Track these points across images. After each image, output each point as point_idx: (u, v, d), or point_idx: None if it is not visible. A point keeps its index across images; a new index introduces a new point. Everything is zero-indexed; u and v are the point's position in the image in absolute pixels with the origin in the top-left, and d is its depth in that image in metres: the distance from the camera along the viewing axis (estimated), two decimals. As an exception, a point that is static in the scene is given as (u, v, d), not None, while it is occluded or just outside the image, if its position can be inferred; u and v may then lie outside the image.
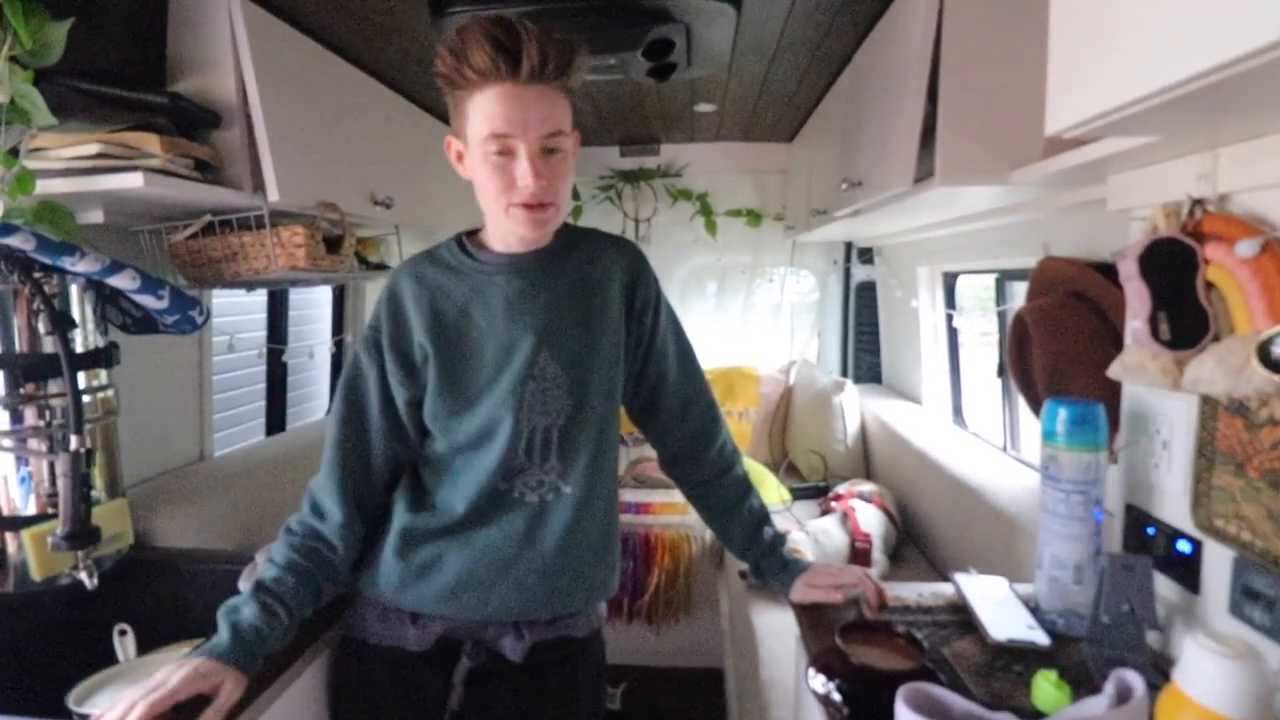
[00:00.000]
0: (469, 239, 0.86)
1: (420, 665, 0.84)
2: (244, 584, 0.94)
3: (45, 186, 0.93)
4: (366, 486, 0.84)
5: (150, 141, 0.97)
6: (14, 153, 0.90)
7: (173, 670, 0.69)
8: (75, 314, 0.93)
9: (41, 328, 0.86)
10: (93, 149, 0.94)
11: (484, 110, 0.72)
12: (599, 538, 0.86)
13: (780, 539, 0.96)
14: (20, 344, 0.88)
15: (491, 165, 0.74)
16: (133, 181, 0.94)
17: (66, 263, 0.86)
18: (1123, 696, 0.55)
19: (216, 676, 0.69)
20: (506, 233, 0.81)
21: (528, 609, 0.83)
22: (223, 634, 0.73)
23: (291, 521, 0.84)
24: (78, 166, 0.95)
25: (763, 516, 0.96)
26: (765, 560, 0.94)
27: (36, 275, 0.86)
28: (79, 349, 0.93)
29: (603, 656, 0.94)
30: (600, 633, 0.93)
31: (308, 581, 0.80)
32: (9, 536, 0.88)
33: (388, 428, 0.83)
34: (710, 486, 0.95)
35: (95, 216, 1.10)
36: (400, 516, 0.85)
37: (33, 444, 0.89)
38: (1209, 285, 0.71)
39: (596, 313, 0.84)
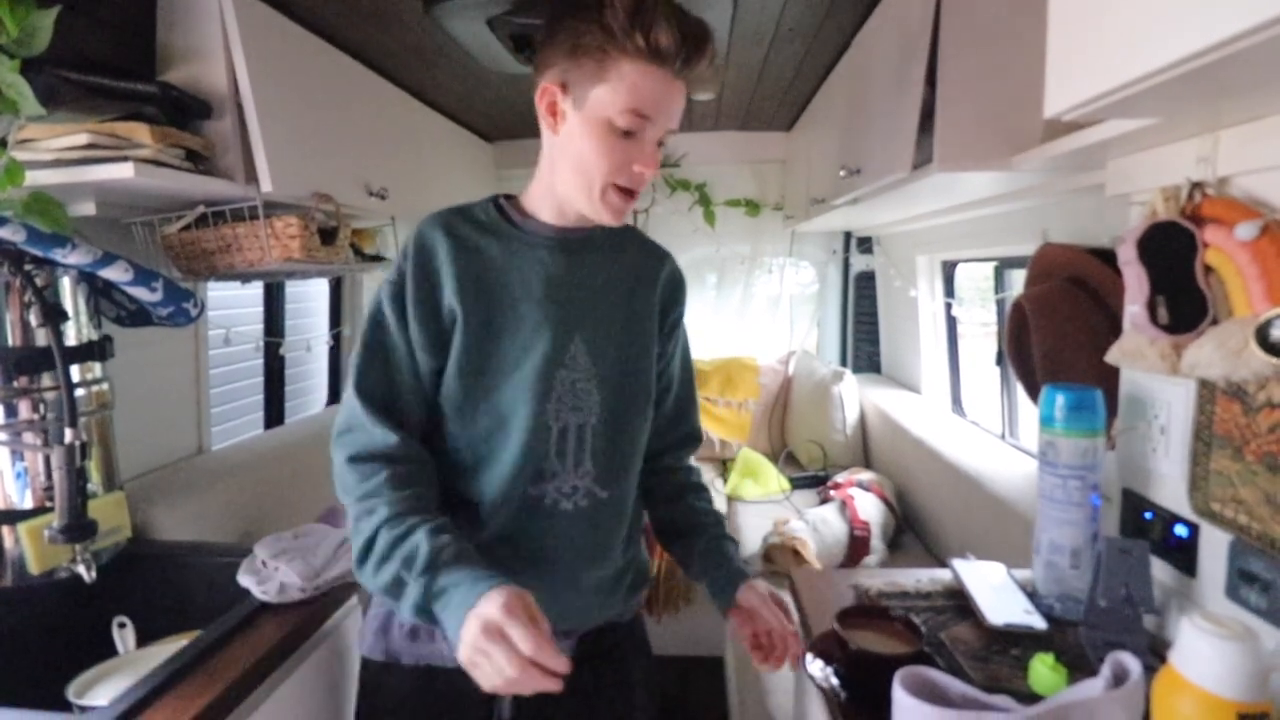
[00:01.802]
0: (509, 203, 0.79)
1: (460, 679, 0.74)
2: (242, 578, 0.94)
3: (35, 178, 0.93)
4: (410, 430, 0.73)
5: (140, 131, 0.96)
6: (2, 143, 0.89)
7: (502, 625, 0.55)
8: (68, 306, 0.92)
9: (33, 320, 0.86)
10: (82, 139, 0.93)
11: (634, 84, 0.67)
12: (636, 537, 0.84)
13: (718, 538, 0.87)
14: (12, 337, 0.88)
15: (611, 138, 0.69)
16: (123, 172, 0.93)
17: (58, 255, 0.85)
18: (1119, 679, 0.55)
19: (513, 594, 0.58)
20: (573, 206, 0.75)
21: (574, 620, 0.79)
22: (456, 576, 0.61)
23: (360, 492, 0.69)
24: (68, 157, 0.94)
25: (702, 509, 0.90)
26: (699, 550, 0.87)
27: (28, 267, 0.86)
28: (72, 342, 0.92)
29: (645, 635, 0.90)
30: (641, 617, 0.90)
31: (428, 503, 0.70)
32: (6, 530, 0.88)
33: (418, 387, 0.74)
34: (661, 476, 0.91)
35: (87, 208, 1.09)
36: None
37: (27, 438, 0.89)
38: (1208, 269, 0.71)
39: (638, 316, 0.80)
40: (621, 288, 0.80)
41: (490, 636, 0.55)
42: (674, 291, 0.86)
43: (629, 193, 0.72)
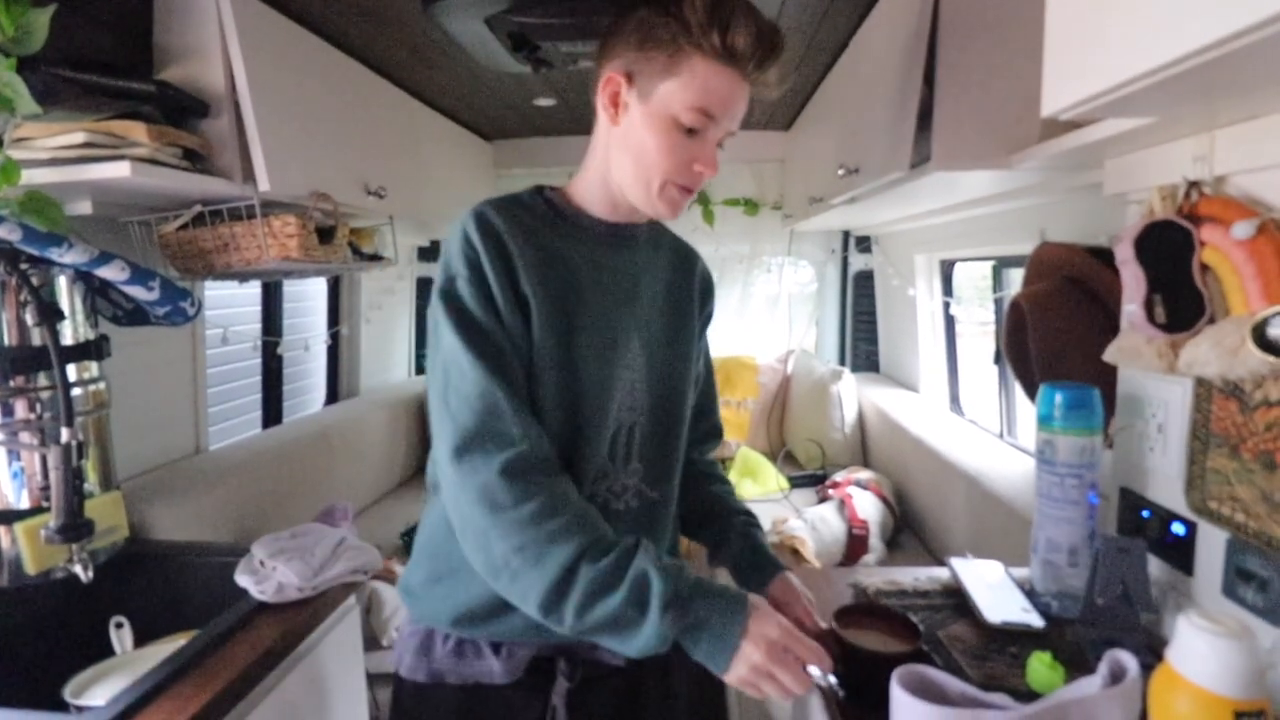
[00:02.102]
0: (556, 194, 0.76)
1: (510, 696, 0.74)
2: (240, 578, 0.94)
3: (31, 177, 0.92)
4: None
5: (137, 130, 0.96)
6: (-1, 142, 0.89)
7: (778, 643, 0.59)
8: (64, 306, 0.92)
9: (30, 320, 0.86)
10: (79, 138, 0.93)
11: (706, 81, 0.66)
12: (677, 538, 0.83)
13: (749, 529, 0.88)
14: (9, 337, 0.88)
15: (675, 135, 0.67)
16: (120, 171, 0.93)
17: (54, 254, 0.85)
18: (1116, 676, 0.55)
19: (772, 612, 0.61)
20: (628, 199, 0.72)
21: None
22: (708, 606, 0.60)
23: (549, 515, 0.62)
24: (64, 156, 0.94)
25: (728, 502, 0.90)
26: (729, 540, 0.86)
27: (24, 266, 0.86)
28: (68, 341, 0.92)
29: None
30: None
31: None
32: (2, 530, 0.88)
33: (524, 377, 0.67)
34: (686, 467, 0.89)
35: (84, 207, 1.09)
36: None
37: (24, 437, 0.89)
38: (1205, 268, 0.71)
39: (680, 315, 0.80)
40: (664, 286, 0.80)
41: (777, 659, 0.58)
42: (706, 290, 0.86)
43: (687, 190, 0.71)
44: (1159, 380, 0.82)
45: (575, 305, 0.70)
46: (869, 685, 0.63)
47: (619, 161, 0.71)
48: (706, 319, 0.87)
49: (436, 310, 0.67)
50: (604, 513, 0.72)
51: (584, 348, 0.70)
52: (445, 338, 0.66)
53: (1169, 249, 0.73)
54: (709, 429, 0.92)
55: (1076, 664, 0.71)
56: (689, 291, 0.82)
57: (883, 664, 0.63)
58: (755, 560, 0.84)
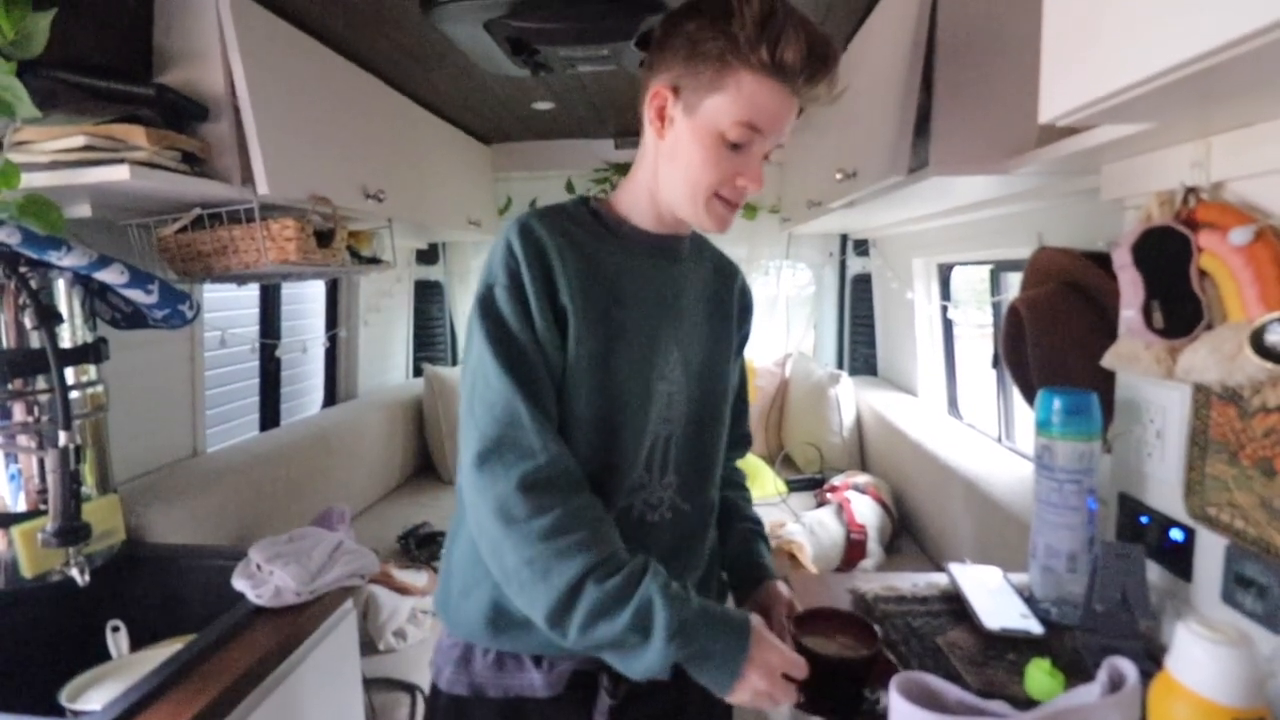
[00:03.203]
0: (601, 205, 0.76)
1: (551, 710, 0.73)
2: (237, 581, 0.94)
3: (30, 180, 0.92)
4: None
5: (136, 134, 0.96)
6: (-2, 145, 0.89)
7: (763, 655, 0.61)
8: (62, 309, 0.92)
9: (28, 323, 0.86)
10: (78, 141, 0.93)
11: (753, 96, 0.65)
12: (712, 544, 0.83)
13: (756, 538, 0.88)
14: (7, 339, 0.87)
15: (721, 149, 0.67)
16: (119, 174, 0.93)
17: (53, 257, 0.85)
18: (1115, 684, 0.55)
19: (768, 635, 0.63)
20: (675, 212, 0.72)
21: None
22: (711, 635, 0.61)
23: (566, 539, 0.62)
24: (63, 159, 0.94)
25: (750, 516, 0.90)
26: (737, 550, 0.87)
27: (23, 270, 0.86)
28: (66, 344, 0.92)
29: None
30: None
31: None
32: (-1, 533, 0.88)
33: (553, 391, 0.67)
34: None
35: (82, 210, 1.09)
36: None
37: (21, 440, 0.88)
38: (1202, 273, 0.71)
39: (719, 329, 0.80)
40: (705, 299, 0.79)
41: (774, 682, 0.61)
42: (745, 306, 0.86)
43: (731, 204, 0.71)
44: (1157, 386, 0.82)
45: (616, 316, 0.70)
46: (829, 690, 0.64)
47: (666, 174, 0.71)
48: (745, 336, 0.87)
49: (473, 317, 0.68)
50: (639, 524, 0.72)
51: (623, 358, 0.70)
52: (476, 345, 0.67)
53: (1167, 255, 0.73)
54: (738, 437, 0.91)
55: (1075, 671, 0.71)
56: (729, 306, 0.82)
57: (841, 670, 0.63)
58: (749, 566, 0.85)
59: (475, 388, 0.66)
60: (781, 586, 0.81)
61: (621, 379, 0.70)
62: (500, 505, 0.62)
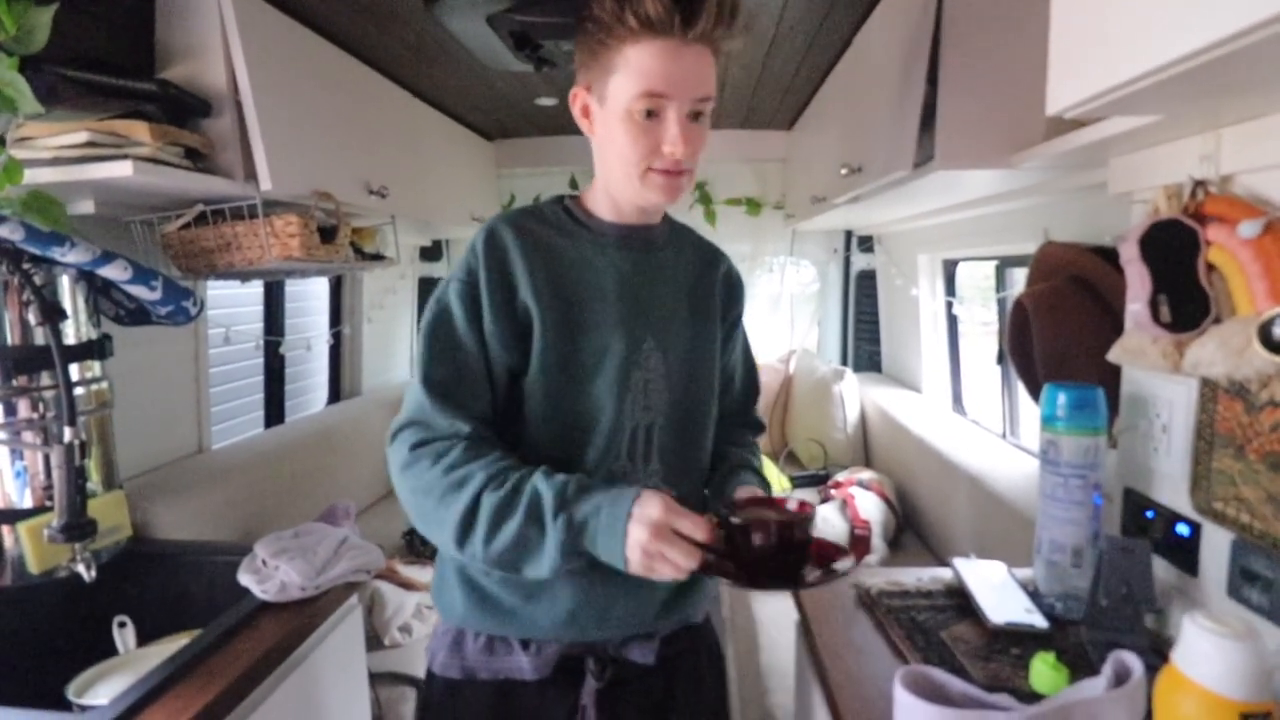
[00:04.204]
0: (574, 203, 0.79)
1: (539, 693, 0.75)
2: (242, 577, 0.94)
3: (34, 176, 0.92)
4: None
5: (139, 129, 0.96)
6: (1, 142, 0.89)
7: (652, 514, 0.59)
8: (66, 305, 0.92)
9: (32, 319, 0.86)
10: (81, 137, 0.93)
11: (640, 66, 0.66)
12: None
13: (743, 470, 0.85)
14: (11, 336, 0.88)
15: (637, 125, 0.68)
16: (122, 170, 0.93)
17: (56, 253, 0.85)
18: (1121, 678, 0.55)
19: (657, 493, 0.61)
20: (629, 199, 0.74)
21: (650, 624, 0.77)
22: (593, 502, 0.62)
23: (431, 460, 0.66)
24: (66, 155, 0.94)
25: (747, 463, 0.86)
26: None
27: (26, 266, 0.86)
28: (71, 341, 0.92)
29: (716, 636, 0.89)
30: (709, 614, 0.88)
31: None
32: (6, 530, 0.88)
33: (488, 385, 0.71)
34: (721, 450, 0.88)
35: (86, 207, 1.09)
36: None
37: (27, 437, 0.89)
38: (1210, 267, 0.71)
39: (702, 315, 0.80)
40: (685, 287, 0.80)
41: (662, 536, 0.58)
42: (732, 290, 0.86)
43: (670, 172, 0.70)
44: (1164, 380, 0.82)
45: (582, 309, 0.73)
46: (761, 560, 0.61)
47: (604, 166, 0.74)
48: (735, 319, 0.87)
49: (428, 308, 0.73)
50: None
51: (589, 349, 0.72)
52: (420, 335, 0.73)
53: (1174, 248, 0.72)
54: (748, 421, 0.91)
55: (1080, 665, 0.71)
56: (711, 292, 0.82)
57: (764, 533, 0.61)
58: (726, 479, 0.82)
59: (415, 374, 0.72)
60: (755, 485, 0.80)
61: (589, 369, 0.72)
62: (403, 460, 0.67)
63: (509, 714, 0.75)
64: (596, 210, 0.78)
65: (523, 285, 0.71)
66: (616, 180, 0.73)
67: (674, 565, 0.59)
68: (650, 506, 0.60)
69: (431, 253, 2.74)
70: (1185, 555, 0.78)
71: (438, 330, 0.71)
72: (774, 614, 1.44)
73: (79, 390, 0.93)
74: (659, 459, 0.76)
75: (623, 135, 0.69)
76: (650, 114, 0.68)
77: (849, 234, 2.60)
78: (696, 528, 0.59)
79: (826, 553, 0.68)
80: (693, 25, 0.65)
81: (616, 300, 0.74)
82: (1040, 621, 0.79)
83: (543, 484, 0.63)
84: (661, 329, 0.76)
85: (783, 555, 0.63)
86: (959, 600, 0.86)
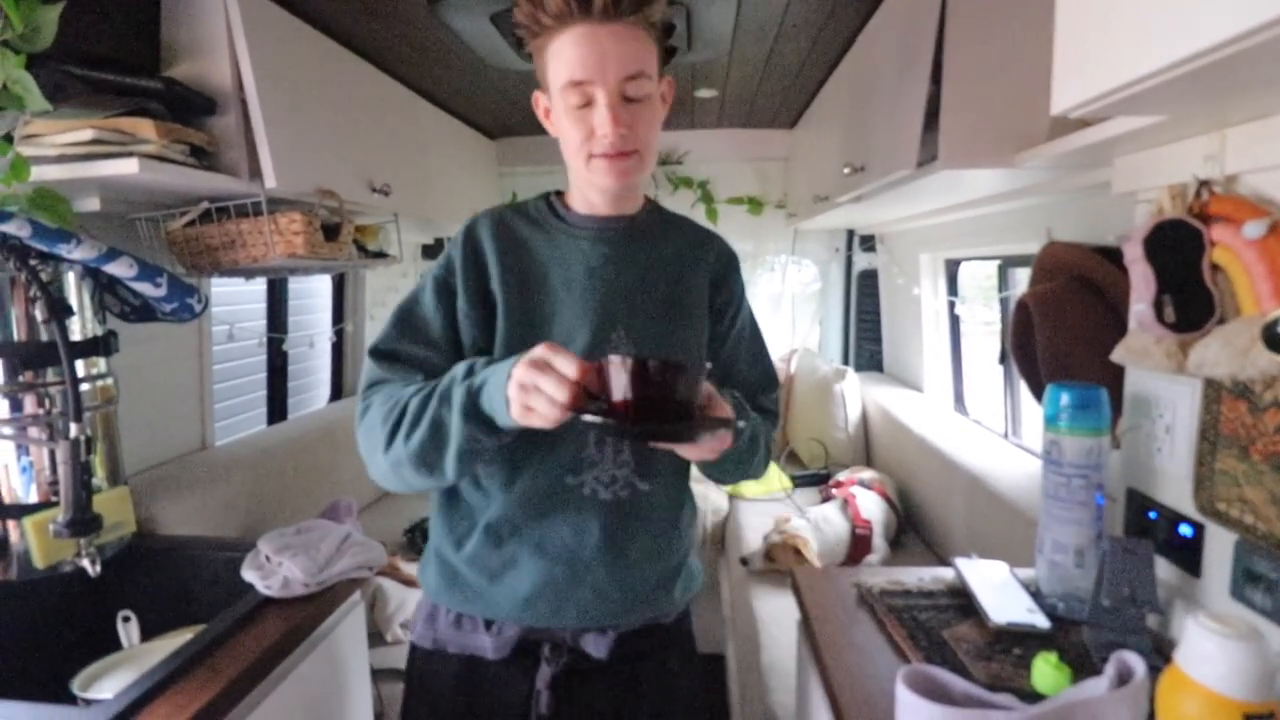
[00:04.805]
0: (558, 198, 0.82)
1: (501, 671, 0.79)
2: (246, 573, 0.95)
3: (40, 173, 0.93)
4: None
5: (145, 127, 0.96)
6: (8, 139, 0.89)
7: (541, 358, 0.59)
8: (72, 302, 0.92)
9: (38, 315, 0.86)
10: (87, 135, 0.93)
11: (561, 56, 0.68)
12: (684, 535, 0.82)
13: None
14: (18, 332, 0.88)
15: (573, 115, 0.70)
16: (128, 168, 0.93)
17: (62, 250, 0.85)
18: (1123, 678, 0.55)
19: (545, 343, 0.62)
20: (588, 188, 0.77)
21: (609, 618, 0.78)
22: (491, 367, 0.65)
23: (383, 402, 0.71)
24: (73, 153, 0.94)
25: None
26: None
27: (32, 262, 0.86)
28: (76, 337, 0.92)
29: (692, 640, 0.88)
30: (689, 614, 0.88)
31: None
32: (11, 524, 0.88)
33: (443, 366, 0.72)
34: None
35: (92, 204, 1.09)
36: (464, 519, 0.78)
37: (33, 432, 0.89)
38: (1215, 267, 0.71)
39: (680, 301, 0.79)
40: (665, 275, 0.79)
41: (536, 368, 0.59)
42: (723, 268, 0.84)
43: (609, 156, 0.71)
44: (1168, 381, 0.81)
45: (547, 301, 0.75)
46: (633, 404, 0.57)
47: (567, 160, 0.76)
48: (728, 299, 0.84)
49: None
50: (591, 501, 0.75)
51: (552, 339, 0.71)
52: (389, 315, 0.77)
53: (1179, 248, 0.72)
54: (757, 408, 0.86)
55: (1083, 665, 0.71)
56: (696, 278, 0.81)
57: (634, 372, 0.56)
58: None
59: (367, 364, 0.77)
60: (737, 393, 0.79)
61: None
62: (363, 424, 0.73)
63: (473, 687, 0.79)
64: (573, 204, 0.80)
65: (493, 275, 0.75)
66: (575, 171, 0.76)
67: (548, 398, 0.57)
68: (531, 351, 0.61)
69: (434, 250, 2.74)
70: (1188, 556, 0.78)
71: (406, 308, 0.76)
72: (775, 612, 1.44)
73: (85, 386, 0.93)
74: (630, 449, 0.76)
75: (567, 127, 0.72)
76: (583, 103, 0.69)
77: (851, 233, 2.60)
78: (570, 364, 0.58)
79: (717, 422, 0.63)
80: (590, 7, 0.66)
81: (582, 291, 0.75)
82: (1042, 621, 0.79)
83: (455, 371, 0.68)
84: (632, 319, 0.76)
85: (656, 403, 0.58)
86: (961, 600, 0.86)
